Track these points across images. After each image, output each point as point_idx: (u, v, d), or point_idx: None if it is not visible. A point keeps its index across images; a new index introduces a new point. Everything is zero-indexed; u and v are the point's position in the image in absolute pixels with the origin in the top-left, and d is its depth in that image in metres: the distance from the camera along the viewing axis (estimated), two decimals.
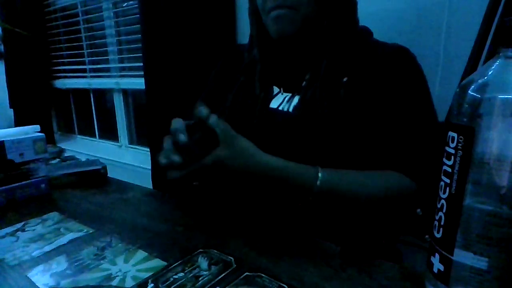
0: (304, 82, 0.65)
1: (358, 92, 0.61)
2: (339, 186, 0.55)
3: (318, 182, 0.53)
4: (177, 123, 0.50)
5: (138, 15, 1.44)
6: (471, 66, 0.70)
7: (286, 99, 0.67)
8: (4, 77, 2.26)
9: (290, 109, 0.65)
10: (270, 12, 0.62)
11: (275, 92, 0.69)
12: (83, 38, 2.04)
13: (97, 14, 1.92)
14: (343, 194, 0.55)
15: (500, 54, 0.32)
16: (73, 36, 2.09)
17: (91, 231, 0.58)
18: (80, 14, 2.02)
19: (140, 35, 1.44)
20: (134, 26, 1.70)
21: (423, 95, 0.63)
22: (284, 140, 0.64)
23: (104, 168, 0.86)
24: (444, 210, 0.34)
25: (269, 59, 0.70)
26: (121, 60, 1.89)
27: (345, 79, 0.62)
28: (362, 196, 0.56)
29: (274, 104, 0.68)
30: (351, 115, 0.61)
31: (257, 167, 0.52)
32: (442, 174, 0.35)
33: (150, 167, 1.44)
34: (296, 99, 0.66)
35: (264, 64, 0.70)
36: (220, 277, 0.43)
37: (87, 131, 2.29)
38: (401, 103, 0.61)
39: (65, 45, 2.19)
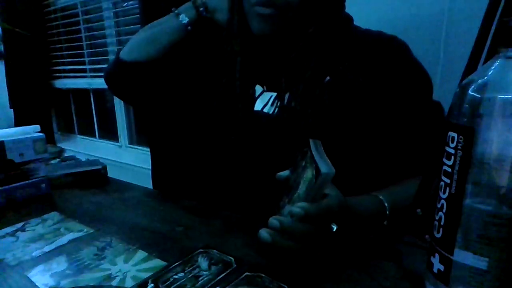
0: (283, 84, 0.62)
1: (344, 93, 0.59)
2: (399, 201, 0.54)
3: (386, 204, 0.53)
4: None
5: (138, 15, 1.44)
6: (471, 66, 0.69)
7: (271, 100, 0.65)
8: (4, 77, 2.27)
9: (276, 112, 0.63)
10: (255, 6, 0.58)
11: (259, 92, 0.67)
12: (83, 38, 2.04)
13: (97, 14, 1.92)
14: (402, 207, 0.54)
15: (500, 54, 0.32)
16: (73, 36, 2.09)
17: (91, 231, 0.58)
18: (80, 14, 2.02)
19: None
20: (134, 26, 1.70)
21: (422, 88, 0.61)
22: (270, 145, 0.63)
23: (104, 168, 0.86)
24: (444, 210, 0.34)
25: (250, 52, 0.66)
26: None
27: (327, 79, 0.59)
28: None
29: (259, 105, 0.66)
30: (340, 119, 0.58)
31: (352, 209, 0.49)
32: (442, 174, 0.35)
33: (150, 167, 1.44)
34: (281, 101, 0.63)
35: (245, 56, 0.65)
36: (220, 277, 0.43)
37: (87, 131, 2.29)
38: (401, 98, 0.59)
39: (65, 45, 2.19)
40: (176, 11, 0.70)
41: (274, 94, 0.65)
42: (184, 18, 0.68)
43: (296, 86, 0.60)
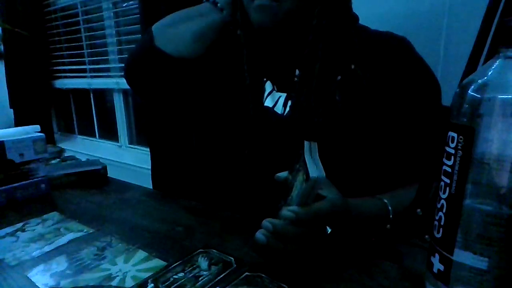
0: (297, 82, 0.62)
1: (354, 92, 0.59)
2: (403, 205, 0.54)
3: (390, 208, 0.53)
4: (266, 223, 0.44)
5: (138, 15, 1.44)
6: (471, 66, 0.69)
7: (281, 100, 0.64)
8: (4, 77, 2.27)
9: (286, 112, 0.63)
10: (254, 0, 0.58)
11: (269, 89, 0.67)
12: (83, 38, 2.04)
13: (97, 14, 1.92)
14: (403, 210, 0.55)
15: (500, 54, 0.32)
16: (73, 36, 2.09)
17: (91, 231, 0.58)
18: (80, 14, 2.02)
19: (140, 35, 1.44)
20: (134, 26, 1.70)
21: (430, 92, 0.61)
22: (277, 143, 0.63)
23: (104, 168, 0.86)
24: (444, 210, 0.34)
25: (256, 45, 0.65)
26: (121, 60, 1.89)
27: (339, 78, 0.59)
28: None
29: (269, 102, 0.66)
30: (351, 119, 0.59)
31: (354, 212, 0.49)
32: (442, 174, 0.35)
33: (150, 167, 1.44)
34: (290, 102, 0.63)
35: (251, 49, 0.64)
36: (220, 277, 0.43)
37: (87, 131, 2.29)
38: (409, 102, 0.59)
39: (65, 45, 2.19)
40: (218, 4, 0.64)
41: (284, 94, 0.65)
42: (227, 16, 0.64)
43: (309, 84, 0.60)
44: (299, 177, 0.44)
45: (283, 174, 0.50)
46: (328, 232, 0.44)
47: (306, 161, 0.42)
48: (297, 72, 0.63)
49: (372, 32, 0.64)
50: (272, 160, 0.63)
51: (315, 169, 0.40)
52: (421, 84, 0.60)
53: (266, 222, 0.43)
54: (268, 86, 0.67)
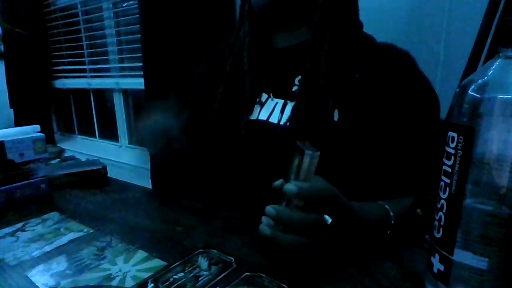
0: (296, 87, 0.62)
1: (355, 98, 0.59)
2: (399, 211, 0.55)
3: (392, 213, 0.54)
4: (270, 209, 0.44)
5: (138, 15, 1.44)
6: (471, 66, 0.69)
7: (278, 108, 0.63)
8: (4, 77, 2.27)
9: (283, 121, 0.62)
10: None
11: (263, 99, 0.66)
12: (83, 38, 2.05)
13: (97, 14, 1.93)
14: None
15: (500, 54, 0.32)
16: (73, 36, 2.10)
17: (91, 231, 0.58)
18: (80, 14, 2.02)
19: (140, 35, 1.44)
20: (134, 26, 1.70)
21: (431, 109, 0.61)
22: (278, 156, 0.63)
23: (104, 168, 0.86)
24: (444, 210, 0.34)
25: (258, 60, 0.67)
26: (121, 60, 1.89)
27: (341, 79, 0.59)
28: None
29: (263, 114, 0.64)
30: (350, 125, 0.58)
31: (355, 213, 0.48)
32: (442, 174, 0.35)
33: (149, 167, 1.44)
34: (288, 109, 0.62)
35: (254, 36, 0.66)
36: (220, 277, 0.43)
37: (87, 131, 2.29)
38: (408, 115, 0.59)
39: (65, 45, 2.19)
40: None
41: (281, 101, 0.64)
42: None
43: (309, 92, 0.60)
44: (294, 163, 0.44)
45: (280, 182, 0.50)
46: (329, 222, 0.44)
47: (300, 145, 0.42)
48: (296, 81, 0.63)
49: (376, 41, 0.65)
50: (269, 162, 0.63)
51: (309, 149, 0.41)
52: (421, 99, 0.60)
53: (270, 208, 0.43)
54: (263, 95, 0.67)
